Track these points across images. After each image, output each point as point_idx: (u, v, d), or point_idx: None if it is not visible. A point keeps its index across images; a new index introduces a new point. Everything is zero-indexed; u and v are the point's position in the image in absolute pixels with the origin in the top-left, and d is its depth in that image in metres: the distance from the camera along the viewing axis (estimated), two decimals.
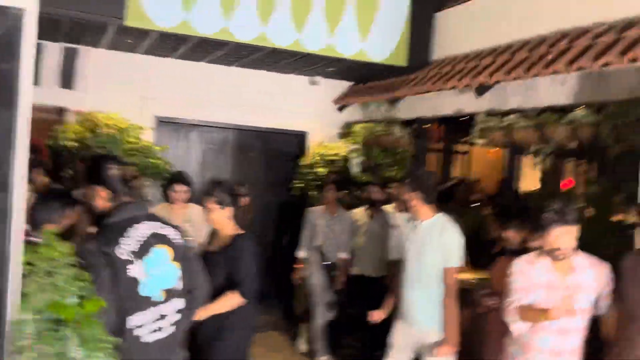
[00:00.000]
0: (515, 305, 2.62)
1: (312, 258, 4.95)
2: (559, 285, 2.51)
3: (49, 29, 4.71)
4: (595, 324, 2.67)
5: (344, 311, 5.00)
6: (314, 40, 4.90)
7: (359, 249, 4.99)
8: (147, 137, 5.39)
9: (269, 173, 6.42)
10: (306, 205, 6.07)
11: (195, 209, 4.03)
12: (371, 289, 4.72)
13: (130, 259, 2.00)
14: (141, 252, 2.05)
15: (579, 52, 3.46)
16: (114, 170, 2.20)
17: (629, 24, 3.31)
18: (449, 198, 5.00)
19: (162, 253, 2.14)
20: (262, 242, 4.24)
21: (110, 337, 1.64)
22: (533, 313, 2.52)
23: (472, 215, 4.81)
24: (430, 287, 3.22)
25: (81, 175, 3.27)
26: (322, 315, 4.89)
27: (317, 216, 5.00)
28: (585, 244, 2.62)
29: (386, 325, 3.56)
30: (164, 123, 5.81)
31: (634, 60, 2.98)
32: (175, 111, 5.75)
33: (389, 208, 4.88)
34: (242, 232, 3.02)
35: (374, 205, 4.95)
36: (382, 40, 5.13)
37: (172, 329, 2.17)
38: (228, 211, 2.99)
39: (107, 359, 1.63)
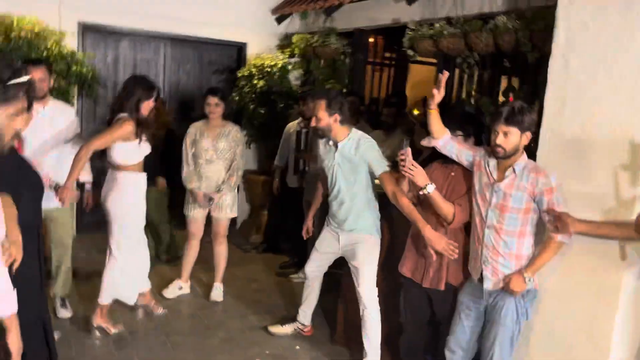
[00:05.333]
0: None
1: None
2: (494, 181, 2.62)
3: None
4: None
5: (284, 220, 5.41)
6: None
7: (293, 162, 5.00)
8: (72, 44, 5.10)
9: (205, 86, 6.24)
10: (243, 118, 5.97)
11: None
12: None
13: None
14: None
15: None
16: None
17: None
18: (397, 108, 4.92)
19: None
20: None
21: None
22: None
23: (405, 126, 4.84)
24: (359, 199, 3.28)
25: None
26: None
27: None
28: None
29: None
30: (90, 30, 5.48)
31: None
32: (103, 17, 5.39)
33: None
34: None
35: (307, 118, 4.91)
36: None
37: None
38: None
39: None
